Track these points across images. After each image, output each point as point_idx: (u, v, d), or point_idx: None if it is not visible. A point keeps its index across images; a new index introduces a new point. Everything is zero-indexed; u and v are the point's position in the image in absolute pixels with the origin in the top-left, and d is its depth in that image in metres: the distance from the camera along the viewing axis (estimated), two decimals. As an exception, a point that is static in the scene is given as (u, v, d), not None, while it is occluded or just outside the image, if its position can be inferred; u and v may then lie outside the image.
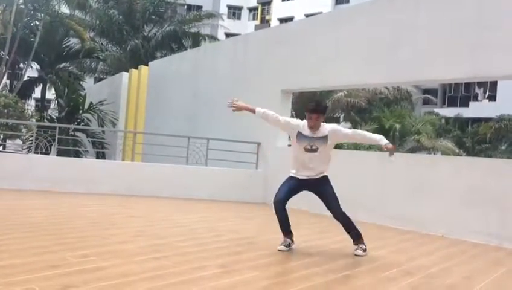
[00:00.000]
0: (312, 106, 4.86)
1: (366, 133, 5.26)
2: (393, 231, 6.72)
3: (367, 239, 5.93)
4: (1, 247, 4.04)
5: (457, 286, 3.92)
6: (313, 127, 4.83)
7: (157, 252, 4.23)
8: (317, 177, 4.90)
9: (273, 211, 4.87)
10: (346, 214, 4.95)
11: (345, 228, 5.01)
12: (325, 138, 4.88)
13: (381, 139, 4.98)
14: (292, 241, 4.93)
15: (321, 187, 4.94)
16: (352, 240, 5.01)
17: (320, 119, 4.87)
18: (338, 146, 16.58)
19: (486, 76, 7.37)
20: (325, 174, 4.96)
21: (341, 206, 4.92)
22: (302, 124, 4.93)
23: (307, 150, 4.88)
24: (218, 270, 3.80)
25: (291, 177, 4.96)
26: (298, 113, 19.26)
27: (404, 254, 5.13)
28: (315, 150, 4.86)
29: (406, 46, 7.32)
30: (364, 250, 4.92)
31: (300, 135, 4.91)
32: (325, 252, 4.95)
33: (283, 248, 4.80)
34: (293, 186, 4.94)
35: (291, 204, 4.91)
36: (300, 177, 4.90)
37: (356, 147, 16.81)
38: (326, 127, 4.93)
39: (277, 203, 4.88)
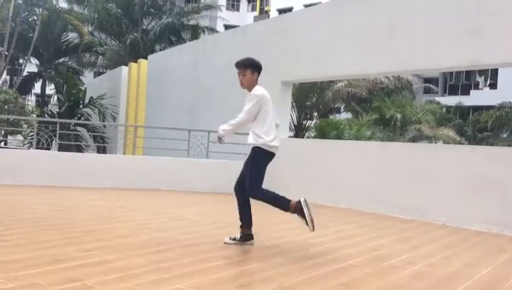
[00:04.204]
0: (239, 60, 4.63)
1: (234, 120, 4.72)
2: (395, 220, 6.74)
3: (369, 229, 5.96)
4: (4, 242, 4.06)
5: (459, 273, 3.93)
6: (242, 84, 4.62)
7: (160, 245, 4.24)
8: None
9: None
10: (253, 196, 4.42)
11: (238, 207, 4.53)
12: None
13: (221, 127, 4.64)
14: (245, 235, 4.45)
15: (248, 159, 4.51)
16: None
17: (248, 76, 4.55)
18: (338, 136, 16.65)
19: (487, 64, 7.34)
20: (254, 144, 4.50)
21: (253, 187, 4.37)
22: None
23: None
24: (222, 261, 3.82)
25: None
26: (298, 104, 19.29)
27: (406, 243, 5.15)
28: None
29: (406, 35, 7.29)
30: (234, 239, 4.47)
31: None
32: (327, 243, 4.96)
33: (227, 239, 4.47)
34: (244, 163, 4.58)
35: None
36: None
37: (357, 136, 16.81)
38: (251, 92, 4.57)
39: (234, 188, 4.58)
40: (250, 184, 4.39)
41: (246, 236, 4.50)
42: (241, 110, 4.74)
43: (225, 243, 4.46)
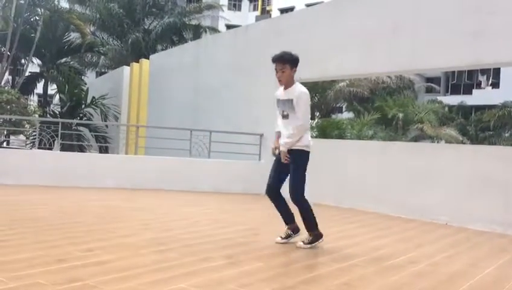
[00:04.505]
0: (276, 54, 4.35)
1: (294, 130, 4.36)
2: (397, 220, 6.73)
3: (371, 228, 5.96)
4: (6, 242, 4.07)
5: (462, 273, 3.92)
6: (281, 80, 4.35)
7: (162, 245, 4.24)
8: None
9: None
10: (303, 201, 4.41)
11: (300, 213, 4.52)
12: (290, 102, 4.32)
13: (285, 141, 4.38)
14: (293, 232, 4.60)
15: (291, 162, 4.37)
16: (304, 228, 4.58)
17: (288, 71, 4.32)
18: (340, 136, 16.64)
19: (489, 63, 7.32)
20: (298, 146, 4.33)
21: (298, 190, 4.34)
22: (280, 88, 4.48)
23: (283, 117, 4.41)
24: (223, 261, 3.81)
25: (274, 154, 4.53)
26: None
27: (409, 243, 5.14)
28: (287, 117, 4.37)
29: (408, 34, 7.28)
30: (308, 243, 4.46)
31: (277, 101, 4.47)
32: (330, 242, 4.95)
33: (278, 239, 4.58)
34: (276, 165, 4.48)
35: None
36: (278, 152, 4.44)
37: (359, 136, 16.79)
38: (296, 90, 4.33)
39: (267, 192, 4.53)
40: (296, 188, 4.35)
41: (297, 229, 4.61)
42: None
43: (298, 247, 4.46)
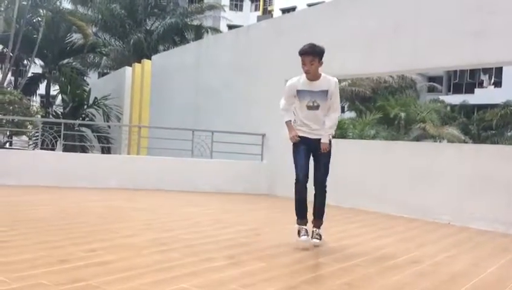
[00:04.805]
0: (304, 47, 4.35)
1: (334, 120, 4.51)
2: (400, 219, 6.72)
3: (373, 228, 5.95)
4: (9, 242, 4.08)
5: (464, 273, 3.92)
6: (309, 72, 4.34)
7: (164, 245, 4.25)
8: (319, 138, 4.45)
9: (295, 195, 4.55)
10: (325, 186, 4.53)
11: (315, 203, 4.57)
12: (325, 93, 4.37)
13: (325, 133, 4.45)
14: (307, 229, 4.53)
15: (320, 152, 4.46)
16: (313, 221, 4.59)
17: (316, 63, 4.33)
18: (342, 135, 16.65)
19: (491, 62, 7.31)
20: (329, 136, 4.44)
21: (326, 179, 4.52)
22: (298, 78, 4.48)
23: (309, 108, 4.41)
24: (225, 262, 3.82)
25: (299, 137, 4.48)
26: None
27: (411, 242, 5.13)
28: (317, 107, 4.39)
29: (409, 33, 7.27)
30: (320, 237, 4.53)
31: (299, 92, 4.43)
32: (331, 242, 4.95)
33: (305, 238, 4.42)
34: (306, 154, 4.47)
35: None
36: (306, 136, 4.47)
37: (361, 136, 16.78)
38: (330, 80, 4.41)
39: (301, 181, 4.44)
40: (327, 175, 4.52)
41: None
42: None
43: (315, 245, 4.49)
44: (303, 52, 4.41)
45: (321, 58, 4.41)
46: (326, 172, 4.53)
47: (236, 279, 3.34)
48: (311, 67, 4.38)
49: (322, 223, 4.61)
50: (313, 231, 4.56)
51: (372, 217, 6.84)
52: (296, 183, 4.49)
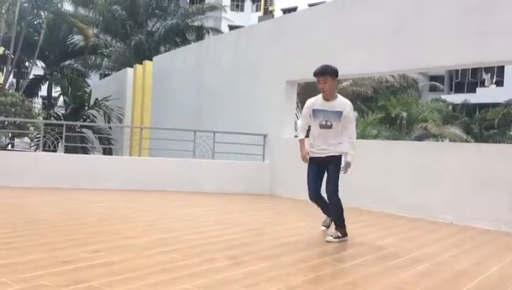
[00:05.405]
0: (318, 69, 4.74)
1: (352, 140, 4.89)
2: (402, 219, 6.71)
3: (375, 228, 5.95)
4: (12, 244, 4.09)
5: (466, 272, 3.91)
6: (324, 90, 4.71)
7: (166, 246, 4.25)
8: (329, 155, 4.82)
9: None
10: (336, 196, 4.85)
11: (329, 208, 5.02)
12: (339, 114, 4.72)
13: (347, 153, 4.84)
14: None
15: (330, 164, 4.85)
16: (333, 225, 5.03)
17: (330, 82, 4.70)
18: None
19: (493, 61, 7.29)
20: (338, 153, 4.80)
21: (335, 187, 4.83)
22: (315, 98, 4.83)
23: (321, 126, 4.74)
24: (228, 262, 3.82)
25: (310, 158, 4.91)
26: (303, 104, 19.27)
27: (413, 242, 5.13)
28: (330, 126, 4.73)
29: (411, 33, 7.26)
30: (337, 237, 4.81)
31: (315, 111, 4.78)
32: (334, 242, 4.94)
33: (323, 228, 5.21)
34: (316, 173, 4.91)
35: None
36: (316, 156, 4.87)
37: (363, 135, 16.77)
38: (345, 102, 4.77)
39: (311, 198, 5.00)
40: (337, 187, 4.81)
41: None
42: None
43: (327, 241, 4.81)
44: (316, 73, 4.80)
45: (335, 77, 4.80)
46: (334, 184, 4.80)
47: (239, 279, 3.34)
48: (325, 86, 4.74)
49: (337, 227, 4.88)
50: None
51: (375, 217, 6.83)
52: (309, 198, 5.06)
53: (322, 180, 4.95)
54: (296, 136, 5.39)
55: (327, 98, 4.76)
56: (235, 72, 10.62)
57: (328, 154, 4.80)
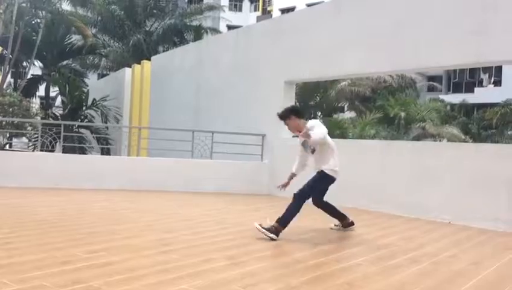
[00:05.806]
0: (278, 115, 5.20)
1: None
2: (400, 219, 6.72)
3: (374, 227, 5.96)
4: (10, 244, 4.08)
5: (464, 272, 3.92)
6: (292, 132, 5.28)
7: (165, 246, 4.26)
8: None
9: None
10: (300, 200, 4.90)
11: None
12: (308, 141, 5.06)
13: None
14: (342, 225, 5.46)
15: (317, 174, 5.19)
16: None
17: (290, 123, 5.12)
18: (342, 135, 16.64)
19: (491, 61, 7.31)
20: (324, 169, 5.09)
21: (303, 193, 4.94)
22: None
23: (312, 152, 5.18)
24: (226, 262, 3.82)
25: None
26: (301, 104, 19.27)
27: (411, 242, 5.14)
28: (313, 151, 5.15)
29: (409, 33, 7.27)
30: (268, 229, 4.76)
31: (302, 143, 5.24)
32: (333, 241, 4.96)
33: (332, 225, 5.54)
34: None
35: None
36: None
37: (361, 135, 16.79)
38: (304, 128, 5.01)
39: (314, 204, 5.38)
40: (305, 192, 4.96)
41: (348, 225, 5.48)
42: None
43: (331, 228, 5.48)
44: (279, 118, 5.25)
45: (293, 116, 5.15)
46: (304, 188, 4.98)
47: (238, 279, 3.35)
48: (288, 126, 5.27)
49: (279, 223, 4.81)
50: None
51: (373, 217, 6.84)
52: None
53: (323, 195, 5.36)
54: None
55: (300, 132, 5.03)
56: (233, 72, 10.62)
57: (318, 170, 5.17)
